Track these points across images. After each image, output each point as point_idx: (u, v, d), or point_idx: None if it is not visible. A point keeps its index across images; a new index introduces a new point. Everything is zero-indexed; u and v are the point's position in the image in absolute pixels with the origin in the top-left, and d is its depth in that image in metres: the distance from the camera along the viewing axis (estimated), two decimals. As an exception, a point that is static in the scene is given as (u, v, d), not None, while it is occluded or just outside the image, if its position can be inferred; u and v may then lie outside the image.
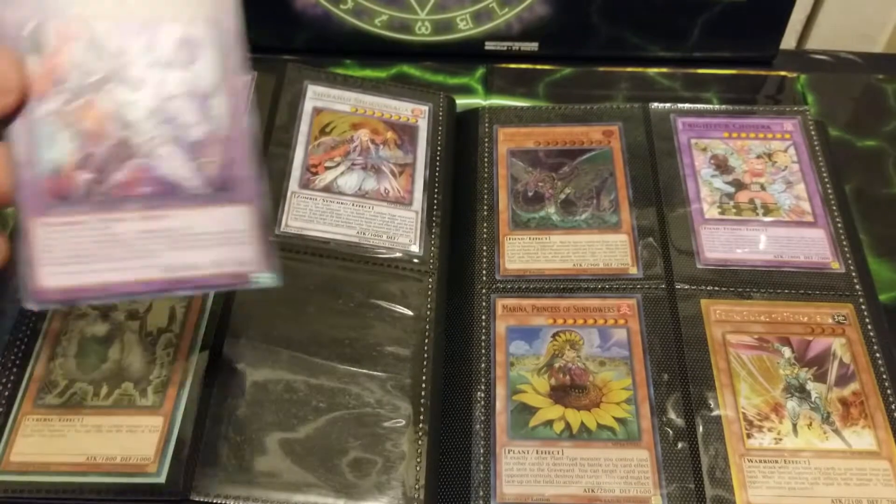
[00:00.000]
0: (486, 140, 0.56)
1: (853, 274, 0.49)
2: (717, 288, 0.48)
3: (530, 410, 0.44)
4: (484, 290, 0.49)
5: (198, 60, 0.31)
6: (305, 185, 0.52)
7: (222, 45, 0.31)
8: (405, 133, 0.56)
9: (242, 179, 0.30)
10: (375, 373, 0.45)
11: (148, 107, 0.30)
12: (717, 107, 0.58)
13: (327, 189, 0.52)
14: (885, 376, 0.45)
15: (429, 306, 0.48)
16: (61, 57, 0.29)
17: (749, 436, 0.43)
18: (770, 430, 0.43)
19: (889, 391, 0.44)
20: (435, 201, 0.53)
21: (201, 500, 0.40)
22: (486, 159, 0.55)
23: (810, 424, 0.43)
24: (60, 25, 0.29)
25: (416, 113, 0.57)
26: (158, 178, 0.30)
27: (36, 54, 0.29)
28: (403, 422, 0.43)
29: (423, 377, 0.45)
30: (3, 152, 0.29)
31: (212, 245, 0.30)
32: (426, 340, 0.46)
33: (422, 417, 0.43)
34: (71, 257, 0.29)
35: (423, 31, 0.63)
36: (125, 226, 0.29)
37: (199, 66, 0.31)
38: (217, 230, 0.30)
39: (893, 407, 0.44)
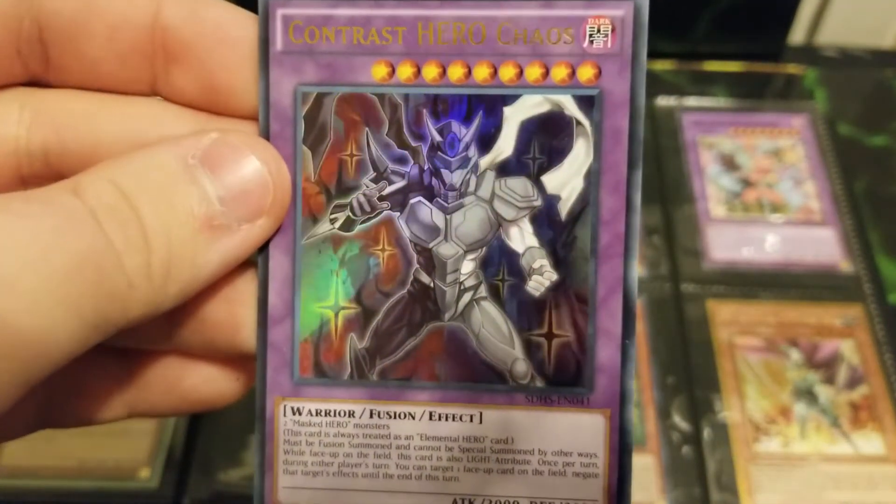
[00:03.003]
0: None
1: (863, 274, 0.48)
2: (723, 288, 0.47)
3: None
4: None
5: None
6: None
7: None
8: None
9: (602, 370, 0.19)
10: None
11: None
12: (723, 101, 0.57)
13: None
14: (894, 379, 0.44)
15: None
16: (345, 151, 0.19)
17: (756, 440, 0.42)
18: (777, 434, 0.42)
19: (899, 395, 0.43)
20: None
21: (195, 505, 0.39)
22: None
23: (818, 428, 0.42)
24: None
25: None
26: (470, 358, 0.19)
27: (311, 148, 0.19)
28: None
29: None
30: (249, 290, 0.19)
31: (534, 471, 0.19)
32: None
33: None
34: (323, 464, 0.19)
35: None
36: (404, 427, 0.19)
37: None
38: (550, 448, 0.19)
39: (904, 411, 0.43)
